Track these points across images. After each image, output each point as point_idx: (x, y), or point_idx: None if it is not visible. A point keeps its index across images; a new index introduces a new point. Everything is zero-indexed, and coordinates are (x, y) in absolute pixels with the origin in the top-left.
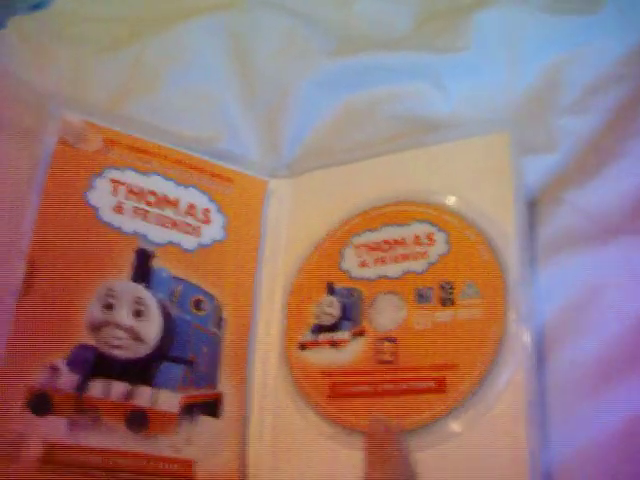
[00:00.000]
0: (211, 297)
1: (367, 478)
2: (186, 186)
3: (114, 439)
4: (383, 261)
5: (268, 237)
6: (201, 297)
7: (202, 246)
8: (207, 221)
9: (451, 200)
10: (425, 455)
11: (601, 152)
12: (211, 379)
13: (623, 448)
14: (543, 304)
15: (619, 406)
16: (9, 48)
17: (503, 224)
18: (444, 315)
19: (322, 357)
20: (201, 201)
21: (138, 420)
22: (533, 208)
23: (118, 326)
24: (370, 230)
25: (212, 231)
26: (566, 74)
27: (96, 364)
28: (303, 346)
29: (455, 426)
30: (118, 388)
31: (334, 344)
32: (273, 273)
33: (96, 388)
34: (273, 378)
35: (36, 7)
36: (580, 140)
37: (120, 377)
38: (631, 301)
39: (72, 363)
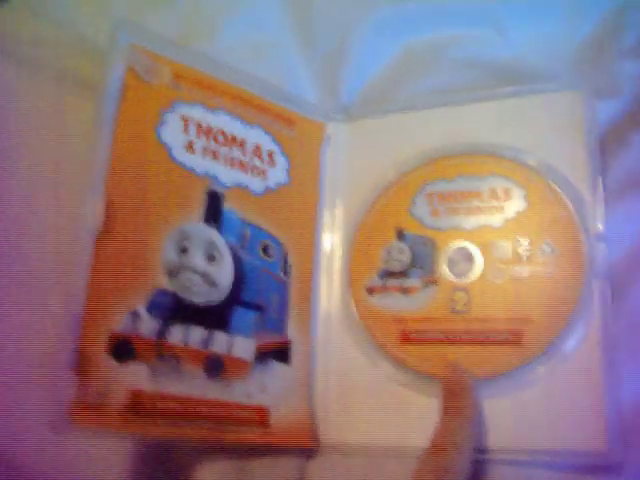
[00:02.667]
0: (278, 242)
1: (441, 424)
2: (252, 126)
3: (193, 386)
4: (457, 212)
5: (327, 181)
6: (269, 242)
7: (269, 189)
8: (272, 164)
9: (528, 156)
10: (502, 402)
11: None
12: (281, 326)
13: None
14: (613, 247)
15: None
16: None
17: (579, 183)
18: (521, 271)
19: (391, 303)
20: (266, 142)
21: (215, 367)
22: (601, 152)
23: (194, 271)
24: (444, 179)
25: (277, 174)
26: (628, 18)
27: (175, 309)
28: (371, 290)
29: (533, 374)
30: (196, 334)
31: (404, 291)
32: (333, 218)
33: (176, 334)
34: (337, 324)
35: None
36: None
37: (197, 322)
38: None
39: (152, 308)
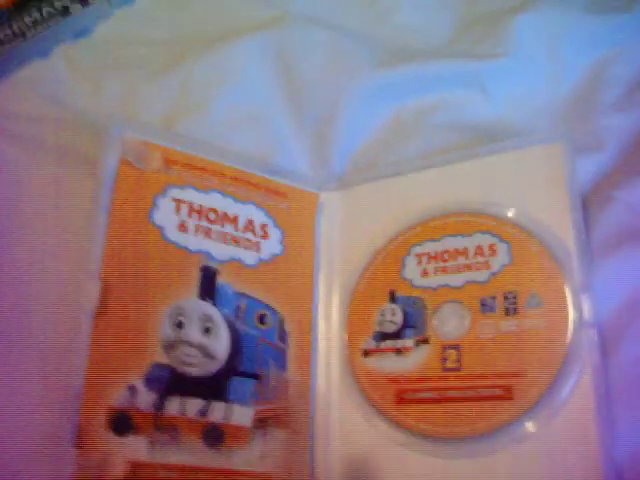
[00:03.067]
0: (274, 311)
1: None
2: (244, 202)
3: (192, 455)
4: (444, 270)
5: (322, 249)
6: (265, 311)
7: (262, 261)
8: (265, 236)
9: (511, 211)
10: (499, 457)
11: None
12: (280, 392)
13: None
14: (602, 302)
15: None
16: (56, 76)
17: (562, 234)
18: (509, 325)
19: (386, 364)
20: (259, 216)
21: (214, 435)
22: (585, 207)
23: (190, 344)
24: (431, 240)
25: (270, 246)
26: (609, 72)
27: (171, 382)
28: (366, 353)
29: (526, 428)
30: (193, 405)
31: (398, 351)
32: (329, 284)
33: (173, 406)
34: (337, 387)
35: (80, 34)
36: (627, 137)
37: (194, 394)
38: None
39: (149, 382)
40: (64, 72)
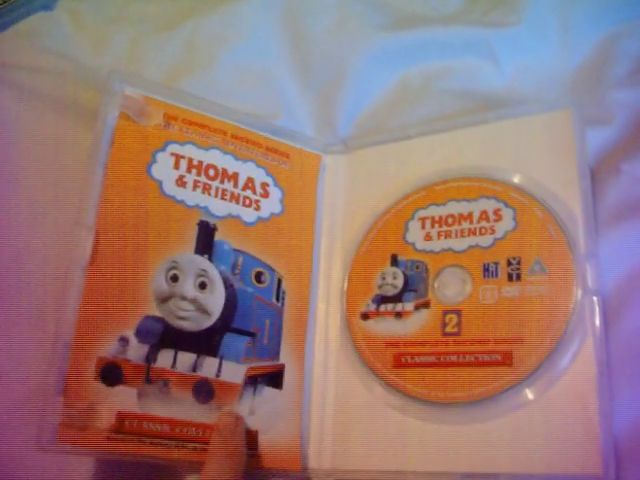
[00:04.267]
0: (271, 269)
1: (211, 467)
2: (244, 160)
3: (181, 409)
4: (448, 235)
5: (325, 210)
6: (262, 269)
7: (261, 219)
8: (265, 195)
9: (518, 177)
10: (495, 423)
11: None
12: (274, 351)
13: None
14: (606, 273)
15: None
16: (60, 29)
17: (569, 200)
18: (511, 290)
19: (385, 327)
20: (259, 175)
21: (204, 390)
22: (592, 179)
23: (184, 298)
24: (436, 204)
25: (270, 205)
26: (619, 47)
27: (163, 335)
28: (365, 316)
29: (524, 395)
30: (185, 359)
31: (397, 315)
32: (331, 246)
33: (164, 359)
34: (335, 349)
35: None
36: (635, 111)
37: (186, 348)
38: None
39: (141, 334)
40: (68, 25)
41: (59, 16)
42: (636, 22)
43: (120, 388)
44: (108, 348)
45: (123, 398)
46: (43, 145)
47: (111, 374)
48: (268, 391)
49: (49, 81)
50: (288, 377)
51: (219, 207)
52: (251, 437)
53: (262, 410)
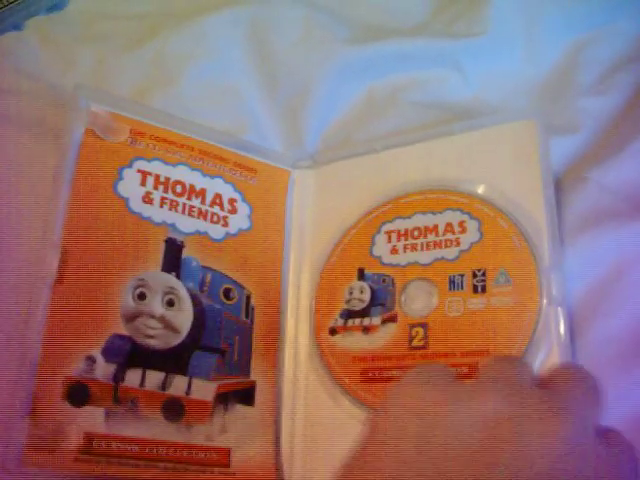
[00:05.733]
0: (240, 286)
1: None
2: (212, 177)
3: (151, 428)
4: (414, 248)
5: (293, 226)
6: (230, 286)
7: (229, 235)
8: (233, 211)
9: (482, 188)
10: None
11: (623, 130)
12: (244, 368)
13: None
14: (572, 283)
15: None
16: (29, 49)
17: (533, 211)
18: (477, 302)
19: (353, 342)
20: (227, 191)
21: (174, 409)
22: (558, 188)
23: (151, 316)
24: (402, 217)
25: (238, 221)
26: (586, 55)
27: (131, 354)
28: (333, 331)
29: None
30: (153, 377)
31: (365, 329)
32: (300, 261)
33: (132, 378)
34: (304, 364)
35: (53, 8)
36: (602, 119)
37: (155, 366)
38: None
39: (107, 353)
40: (36, 45)
41: (28, 36)
42: (603, 29)
43: (88, 408)
44: (75, 367)
45: (91, 418)
46: (9, 163)
47: (78, 394)
48: (240, 408)
49: (16, 101)
50: (259, 393)
51: (186, 224)
52: (224, 455)
53: (234, 427)
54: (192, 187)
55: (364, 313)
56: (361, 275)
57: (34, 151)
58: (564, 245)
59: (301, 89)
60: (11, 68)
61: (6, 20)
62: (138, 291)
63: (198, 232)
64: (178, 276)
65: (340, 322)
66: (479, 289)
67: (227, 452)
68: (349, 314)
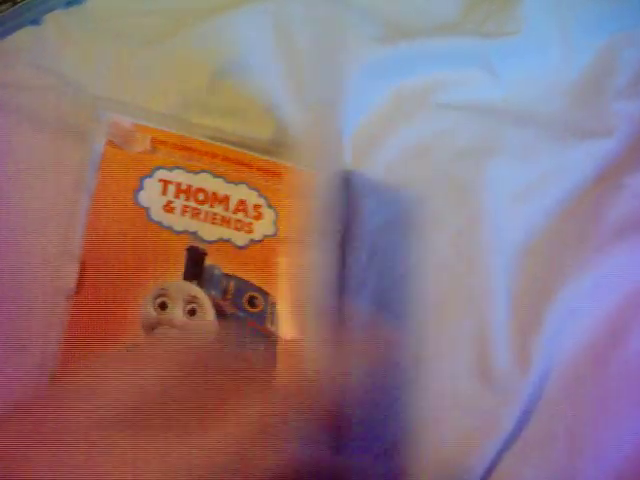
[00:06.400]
0: (265, 293)
1: None
2: (236, 183)
3: None
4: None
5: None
6: (255, 294)
7: (254, 242)
8: (259, 217)
9: None
10: None
11: None
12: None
13: None
14: (607, 291)
15: None
16: (47, 44)
17: None
18: None
19: None
20: (251, 197)
21: None
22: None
23: (172, 325)
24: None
25: (263, 227)
26: (620, 56)
27: None
28: None
29: None
30: None
31: None
32: None
33: None
34: None
35: (71, 3)
36: (636, 123)
37: None
38: None
39: None
40: (54, 40)
41: (47, 31)
42: (637, 30)
43: None
44: None
45: None
46: (27, 164)
47: None
48: None
49: (34, 97)
50: None
51: (209, 231)
52: None
53: None
54: (214, 194)
55: None
56: None
57: (53, 152)
58: (602, 250)
59: (329, 90)
60: (28, 63)
61: (24, 14)
62: (159, 300)
63: (221, 239)
64: (200, 284)
65: None
66: None
67: None
68: None
